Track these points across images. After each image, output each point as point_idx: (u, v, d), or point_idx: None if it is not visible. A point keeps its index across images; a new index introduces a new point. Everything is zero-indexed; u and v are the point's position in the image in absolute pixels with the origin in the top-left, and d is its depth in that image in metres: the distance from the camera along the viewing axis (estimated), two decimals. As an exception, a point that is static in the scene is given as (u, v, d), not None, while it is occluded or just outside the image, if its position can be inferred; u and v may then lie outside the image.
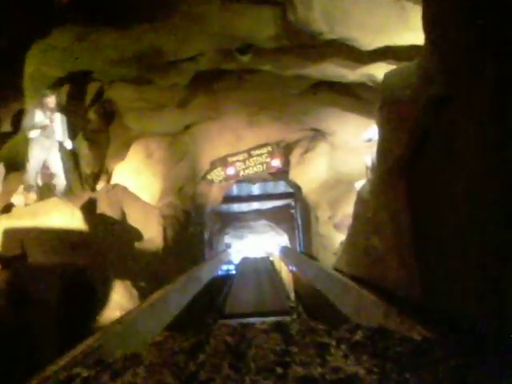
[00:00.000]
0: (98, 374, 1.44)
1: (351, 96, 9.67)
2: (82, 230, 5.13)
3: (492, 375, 1.53)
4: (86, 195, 6.80)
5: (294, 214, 18.11)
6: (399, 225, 3.76)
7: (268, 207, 19.63)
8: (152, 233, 7.49)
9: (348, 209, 11.42)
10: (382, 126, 4.24)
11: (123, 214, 7.24)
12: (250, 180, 14.98)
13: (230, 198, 18.13)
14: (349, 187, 11.33)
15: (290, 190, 17.81)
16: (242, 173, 12.05)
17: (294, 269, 10.75)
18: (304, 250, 15.00)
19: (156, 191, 11.23)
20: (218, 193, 13.36)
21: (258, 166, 12.05)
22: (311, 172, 11.25)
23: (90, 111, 9.54)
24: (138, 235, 7.16)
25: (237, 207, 19.47)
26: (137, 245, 7.03)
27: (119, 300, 5.29)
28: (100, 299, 4.93)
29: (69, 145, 6.33)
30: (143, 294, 6.23)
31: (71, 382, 1.42)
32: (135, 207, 7.56)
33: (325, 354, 1.58)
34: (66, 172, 6.48)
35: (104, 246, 5.71)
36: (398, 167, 3.76)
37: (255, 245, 21.31)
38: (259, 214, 19.81)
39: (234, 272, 15.21)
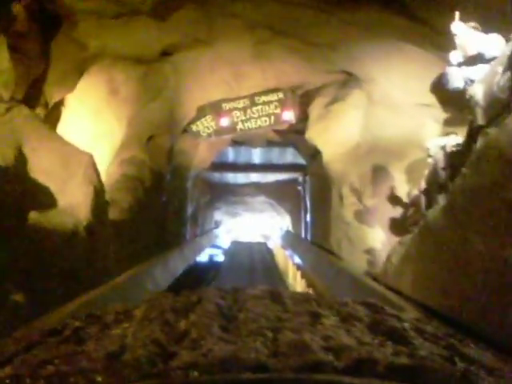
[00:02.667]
0: (88, 325, 1.47)
1: (408, 18, 6.49)
2: None
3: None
4: None
5: (302, 191, 15.07)
6: None
7: (270, 181, 16.56)
8: (73, 197, 4.42)
9: (385, 189, 8.34)
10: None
11: (21, 158, 4.21)
12: (250, 141, 11.87)
13: (223, 165, 15.04)
14: (389, 159, 8.30)
15: (299, 162, 14.73)
16: (240, 126, 8.96)
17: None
18: (313, 239, 12.04)
19: (117, 141, 8.18)
20: (207, 152, 10.28)
21: (264, 119, 8.96)
22: (338, 131, 8.17)
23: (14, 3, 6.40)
24: (44, 199, 4.15)
25: (232, 177, 16.39)
26: (35, 217, 4.00)
27: None
28: None
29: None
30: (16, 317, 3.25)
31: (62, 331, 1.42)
32: (47, 149, 4.52)
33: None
34: None
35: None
36: None
37: (250, 225, 18.28)
38: (258, 188, 16.75)
39: (218, 263, 12.21)
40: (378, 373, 1.12)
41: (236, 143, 12.85)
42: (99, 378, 1.07)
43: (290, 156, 14.58)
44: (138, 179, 7.60)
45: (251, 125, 8.93)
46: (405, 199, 7.78)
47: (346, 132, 8.18)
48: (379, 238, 7.54)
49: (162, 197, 8.42)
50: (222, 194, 16.66)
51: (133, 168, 7.64)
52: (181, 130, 9.02)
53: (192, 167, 10.10)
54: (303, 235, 14.43)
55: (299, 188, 15.41)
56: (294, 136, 10.25)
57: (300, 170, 14.96)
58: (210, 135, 8.94)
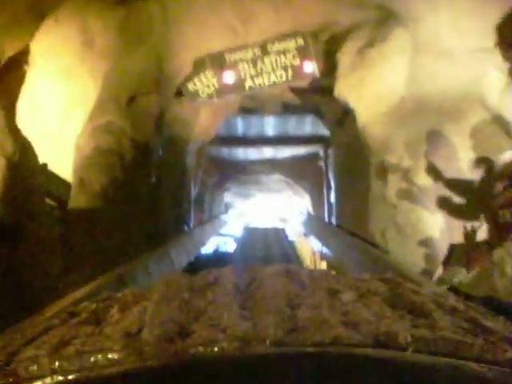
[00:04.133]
0: (106, 307, 1.48)
1: None
2: None
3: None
4: None
5: (324, 167, 13.20)
6: None
7: (286, 156, 14.66)
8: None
9: (442, 160, 6.37)
10: None
11: None
12: (263, 107, 9.97)
13: (232, 139, 13.23)
14: (443, 120, 6.38)
15: (320, 133, 12.83)
16: (249, 83, 7.09)
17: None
18: (340, 224, 10.23)
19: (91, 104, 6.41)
20: (210, 120, 8.44)
21: (279, 74, 7.07)
22: (378, 82, 6.26)
23: None
24: None
25: (242, 153, 14.52)
26: None
27: None
28: None
29: None
30: None
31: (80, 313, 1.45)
32: None
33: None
34: None
35: None
36: None
37: (265, 208, 16.43)
38: (273, 164, 14.86)
39: (226, 257, 10.37)
40: (397, 345, 1.12)
41: (245, 111, 10.98)
42: (118, 357, 1.06)
43: (308, 126, 12.65)
44: (115, 153, 5.85)
45: (263, 81, 7.06)
46: (469, 171, 5.98)
47: (388, 84, 6.28)
48: (438, 225, 5.73)
49: (150, 176, 6.66)
50: (231, 173, 14.83)
51: (108, 138, 5.88)
52: (174, 91, 7.19)
53: (192, 139, 8.27)
54: (327, 219, 12.62)
55: (320, 163, 13.52)
56: (317, 96, 8.35)
57: (321, 142, 13.06)
58: (211, 96, 7.10)
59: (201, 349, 1.05)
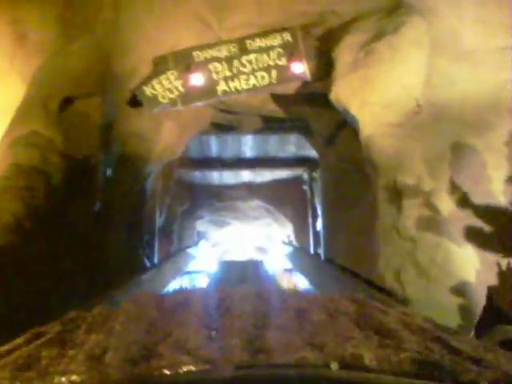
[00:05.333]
0: (72, 328, 1.50)
1: None
2: None
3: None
4: None
5: (309, 192, 11.89)
6: None
7: (266, 180, 13.28)
8: None
9: (472, 180, 4.81)
10: None
11: None
12: (240, 123, 8.60)
13: (205, 161, 11.82)
14: (467, 132, 5.16)
15: (305, 154, 11.59)
16: (222, 87, 5.71)
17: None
18: (328, 256, 8.83)
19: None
20: (175, 135, 6.97)
21: (261, 75, 5.72)
22: (388, 83, 4.95)
23: None
24: None
25: (217, 177, 13.06)
26: None
27: None
28: None
29: None
30: None
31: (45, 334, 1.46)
32: None
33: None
34: None
35: None
36: None
37: (243, 237, 14.93)
38: (251, 189, 13.44)
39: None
40: (363, 366, 1.14)
41: (220, 128, 9.63)
42: (81, 379, 1.06)
43: (292, 147, 11.36)
44: (38, 172, 4.35)
45: (240, 85, 5.70)
46: (501, 194, 4.81)
47: (401, 86, 5.00)
48: (472, 264, 4.40)
49: (91, 203, 5.17)
50: (204, 199, 13.33)
51: (31, 153, 4.38)
52: (126, 96, 5.76)
53: (152, 158, 6.80)
54: (312, 251, 11.21)
55: (304, 188, 12.21)
56: (305, 108, 7.04)
57: (306, 164, 11.79)
58: (173, 103, 5.69)
59: (165, 371, 1.08)
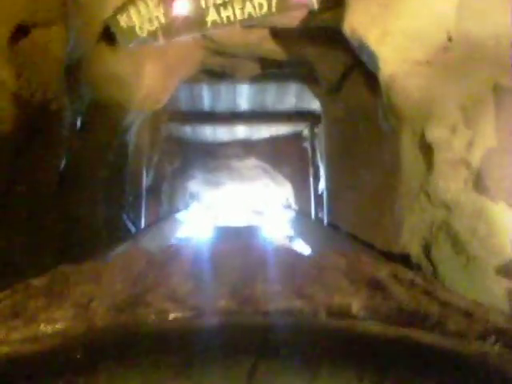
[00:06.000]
0: (58, 281, 1.52)
1: None
2: None
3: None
4: None
5: (309, 149, 11.00)
6: None
7: (263, 137, 12.34)
8: None
9: None
10: None
11: None
12: (233, 67, 7.60)
13: (197, 115, 10.82)
14: (502, 73, 4.26)
15: (305, 107, 10.64)
16: (212, 16, 4.72)
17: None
18: (333, 222, 8.05)
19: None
20: (159, 79, 5.98)
21: (258, 3, 4.71)
22: (416, 10, 4.03)
23: None
24: None
25: (210, 133, 12.10)
26: None
27: None
28: None
29: None
30: None
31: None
32: None
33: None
34: None
35: None
36: None
37: (238, 199, 14.12)
38: (247, 147, 12.51)
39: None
40: (350, 315, 1.14)
41: (212, 77, 8.65)
42: (66, 326, 1.06)
43: (292, 98, 10.36)
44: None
45: (234, 14, 4.72)
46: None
47: (431, 13, 4.07)
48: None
49: (56, 159, 4.31)
50: (197, 157, 12.42)
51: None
52: (97, 28, 4.78)
53: (132, 107, 5.88)
54: (313, 215, 10.45)
55: (305, 145, 11.32)
56: (309, 48, 6.06)
57: (307, 118, 10.84)
58: (154, 36, 4.72)
59: (152, 317, 1.08)
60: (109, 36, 4.89)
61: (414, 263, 3.87)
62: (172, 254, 1.76)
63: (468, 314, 1.21)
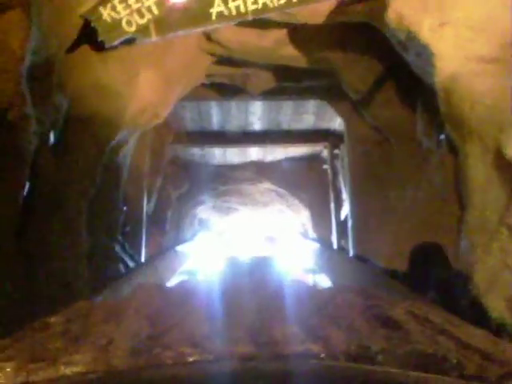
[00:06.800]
0: (77, 321, 1.55)
1: None
2: None
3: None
4: None
5: (330, 172, 10.02)
6: None
7: (277, 158, 11.40)
8: None
9: None
10: None
11: None
12: (244, 80, 6.69)
13: (205, 135, 9.96)
14: None
15: (324, 126, 9.74)
16: (218, 7, 3.77)
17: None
18: (360, 254, 7.00)
19: None
20: (156, 89, 5.05)
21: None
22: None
23: None
24: None
25: (219, 155, 11.17)
26: None
27: None
28: None
29: None
30: None
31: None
32: None
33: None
34: None
35: None
36: None
37: (251, 226, 13.08)
38: (260, 169, 11.56)
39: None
40: (368, 358, 1.13)
41: (221, 93, 7.80)
42: (87, 369, 1.06)
43: (310, 117, 9.45)
44: None
45: (245, 4, 3.82)
46: None
47: (500, 2, 3.15)
48: None
49: (15, 183, 3.37)
50: (206, 181, 11.46)
51: None
52: (76, 21, 3.89)
53: (124, 121, 4.96)
54: (336, 244, 9.38)
55: (325, 167, 10.33)
56: (334, 52, 5.13)
57: (327, 138, 9.91)
58: (145, 32, 3.80)
59: (170, 361, 1.08)
60: (88, 32, 4.00)
61: (497, 317, 2.82)
62: (188, 291, 1.75)
63: (486, 355, 1.16)
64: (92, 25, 3.85)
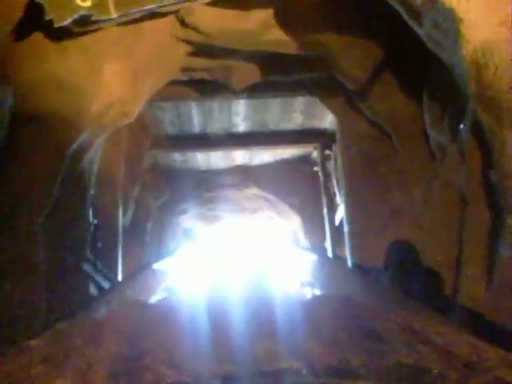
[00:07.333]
0: (55, 344, 1.45)
1: None
2: None
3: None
4: None
5: (321, 174, 9.41)
6: None
7: (265, 162, 10.75)
8: None
9: None
10: None
11: None
12: (226, 74, 6.04)
13: (186, 139, 9.29)
14: None
15: (314, 125, 9.17)
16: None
17: None
18: (357, 261, 6.39)
19: None
20: (124, 82, 4.40)
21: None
22: None
23: None
24: None
25: (202, 159, 10.47)
26: None
27: None
28: None
29: None
30: None
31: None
32: None
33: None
34: None
35: None
36: None
37: (238, 234, 12.43)
38: (247, 174, 10.91)
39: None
40: (349, 372, 1.11)
41: (200, 88, 7.18)
42: None
43: (298, 116, 8.83)
44: None
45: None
46: None
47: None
48: None
49: None
50: (188, 188, 10.75)
51: None
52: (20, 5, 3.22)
53: (86, 121, 4.27)
54: (331, 252, 8.75)
55: (315, 169, 9.72)
56: (330, 34, 4.51)
57: (317, 138, 9.31)
58: (101, 9, 3.02)
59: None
60: (48, 22, 3.31)
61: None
62: (169, 309, 1.71)
63: (468, 364, 1.14)
64: (37, 0, 3.17)
